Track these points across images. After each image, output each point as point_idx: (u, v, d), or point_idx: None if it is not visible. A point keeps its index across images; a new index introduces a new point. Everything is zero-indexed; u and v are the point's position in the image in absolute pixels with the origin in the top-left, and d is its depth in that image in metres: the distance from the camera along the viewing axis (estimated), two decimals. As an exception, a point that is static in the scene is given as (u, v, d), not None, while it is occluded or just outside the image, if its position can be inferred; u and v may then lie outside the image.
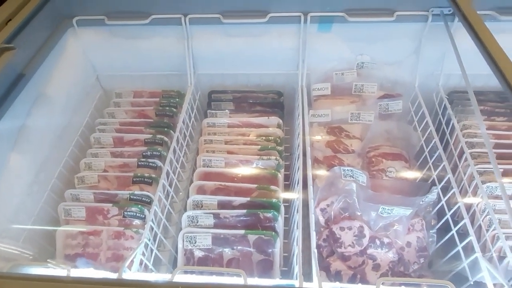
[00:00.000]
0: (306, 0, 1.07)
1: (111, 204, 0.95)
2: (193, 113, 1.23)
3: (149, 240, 0.87)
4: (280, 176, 1.04)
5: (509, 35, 1.07)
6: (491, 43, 0.78)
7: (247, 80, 1.29)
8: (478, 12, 1.03)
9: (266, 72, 1.25)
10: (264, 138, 1.13)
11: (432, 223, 0.96)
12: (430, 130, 1.06)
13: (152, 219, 0.90)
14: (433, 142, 1.03)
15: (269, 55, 1.19)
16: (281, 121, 1.17)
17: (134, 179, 1.01)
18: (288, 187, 1.10)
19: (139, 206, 0.94)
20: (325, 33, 1.13)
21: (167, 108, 1.22)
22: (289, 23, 1.11)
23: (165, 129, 1.15)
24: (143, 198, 0.96)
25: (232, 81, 1.29)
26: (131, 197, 0.96)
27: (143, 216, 0.93)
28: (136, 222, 0.94)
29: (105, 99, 1.33)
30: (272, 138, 1.13)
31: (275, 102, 1.25)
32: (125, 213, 0.93)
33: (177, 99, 1.25)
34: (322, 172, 1.04)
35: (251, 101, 1.25)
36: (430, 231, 0.95)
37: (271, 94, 1.27)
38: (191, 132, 1.23)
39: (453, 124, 1.10)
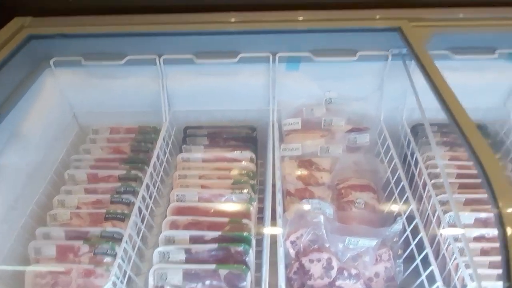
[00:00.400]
0: (274, 41, 1.13)
1: (82, 242, 0.96)
2: (168, 149, 1.26)
3: (118, 278, 0.87)
4: (253, 209, 1.06)
5: (462, 72, 1.17)
6: (439, 81, 0.84)
7: (222, 116, 1.33)
8: (434, 51, 1.11)
9: (239, 108, 1.30)
10: (237, 172, 1.16)
11: (399, 253, 0.99)
12: (395, 162, 1.11)
13: (122, 256, 0.90)
14: (397, 173, 1.08)
15: (241, 92, 1.24)
16: (254, 155, 1.21)
17: (107, 216, 1.02)
18: (261, 220, 1.12)
19: (111, 243, 0.94)
20: (294, 72, 1.20)
21: (143, 144, 1.25)
22: (259, 62, 1.17)
23: (140, 164, 1.17)
24: (114, 235, 0.96)
25: (207, 117, 1.33)
26: (103, 234, 0.97)
27: (114, 253, 0.93)
28: (107, 259, 0.94)
29: (81, 136, 1.35)
30: (245, 172, 1.16)
31: (248, 137, 1.29)
32: (96, 250, 0.93)
33: (153, 135, 1.28)
34: (293, 205, 1.07)
35: (225, 136, 1.29)
36: (398, 261, 0.98)
37: (244, 129, 1.31)
38: (166, 168, 1.26)
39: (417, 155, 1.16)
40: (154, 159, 1.14)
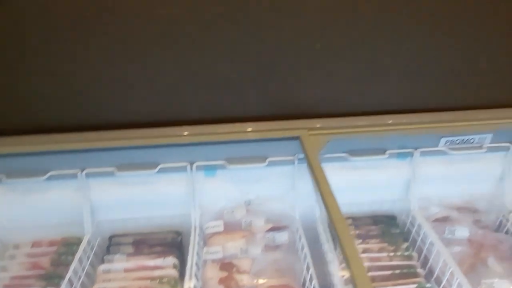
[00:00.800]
0: (191, 152, 1.24)
1: None
2: (89, 261, 1.24)
3: None
4: (172, 320, 1.05)
5: (359, 171, 1.32)
6: (323, 184, 0.96)
7: (148, 222, 1.36)
8: (333, 154, 1.27)
9: (164, 214, 1.34)
10: (158, 280, 1.16)
11: None
12: (307, 261, 1.16)
13: None
14: (310, 271, 1.13)
15: (164, 199, 1.30)
16: (176, 261, 1.22)
17: None
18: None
19: None
20: (212, 178, 1.29)
21: (63, 256, 1.23)
22: (178, 171, 1.25)
23: (56, 280, 1.15)
24: None
25: (133, 224, 1.36)
26: None
27: None
28: None
29: (2, 253, 1.32)
30: (166, 279, 1.16)
31: (174, 242, 1.32)
32: None
33: (75, 247, 1.27)
34: (212, 312, 1.07)
35: (150, 243, 1.31)
36: None
37: (170, 234, 1.34)
38: (85, 282, 1.23)
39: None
40: (69, 273, 1.12)
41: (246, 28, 1.12)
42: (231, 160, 1.25)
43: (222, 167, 1.25)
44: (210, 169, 1.27)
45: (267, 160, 1.26)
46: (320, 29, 1.15)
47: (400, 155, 1.32)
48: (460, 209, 1.45)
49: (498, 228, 1.44)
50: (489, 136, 1.31)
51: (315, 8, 1.11)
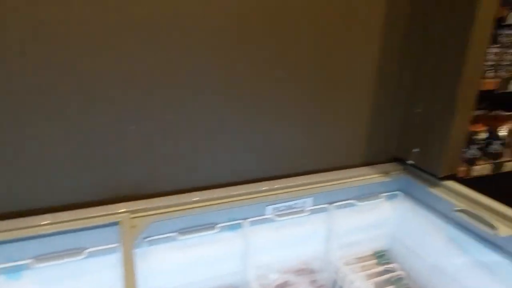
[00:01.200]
0: (-13, 253, 1.06)
1: None
2: None
3: None
4: None
5: (194, 248, 1.30)
6: (129, 269, 0.90)
7: None
8: (161, 236, 1.22)
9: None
10: None
11: None
12: None
13: None
14: None
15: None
16: None
17: None
18: None
19: None
20: (17, 281, 1.11)
21: None
22: (-31, 280, 1.05)
23: None
24: None
25: None
26: None
27: None
28: None
29: None
30: None
31: None
32: None
33: None
34: None
35: None
36: None
37: None
38: None
39: None
40: None
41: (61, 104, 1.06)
42: (42, 257, 1.10)
43: (29, 267, 1.09)
44: (13, 271, 1.09)
45: (86, 252, 1.14)
46: (140, 109, 1.16)
47: (231, 227, 1.34)
48: (297, 271, 1.52)
49: (334, 285, 1.53)
50: (309, 200, 1.44)
51: (134, 91, 1.13)
